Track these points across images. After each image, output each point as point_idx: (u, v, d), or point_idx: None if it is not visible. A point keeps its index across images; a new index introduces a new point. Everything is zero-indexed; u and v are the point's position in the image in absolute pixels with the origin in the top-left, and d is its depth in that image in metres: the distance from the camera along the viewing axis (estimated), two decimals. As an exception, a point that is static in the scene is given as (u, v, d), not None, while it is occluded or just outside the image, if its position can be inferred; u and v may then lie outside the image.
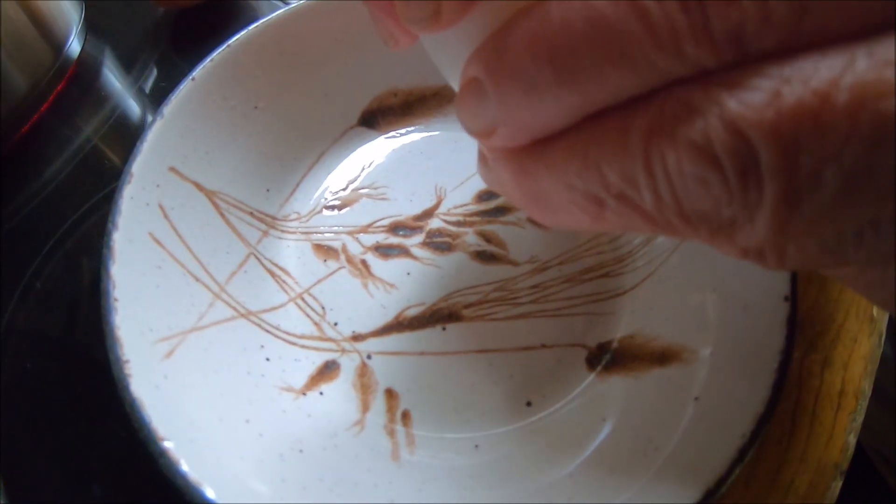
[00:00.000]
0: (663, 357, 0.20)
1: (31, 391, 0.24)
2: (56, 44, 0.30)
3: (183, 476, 0.16)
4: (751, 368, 0.18)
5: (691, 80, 0.09)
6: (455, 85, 0.14)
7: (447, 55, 0.14)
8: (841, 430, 0.24)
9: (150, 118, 0.26)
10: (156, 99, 0.31)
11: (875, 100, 0.08)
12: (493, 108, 0.11)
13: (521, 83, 0.11)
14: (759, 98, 0.09)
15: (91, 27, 0.32)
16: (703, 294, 0.20)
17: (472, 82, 0.12)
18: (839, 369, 0.26)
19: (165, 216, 0.20)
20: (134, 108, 0.31)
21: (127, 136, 0.29)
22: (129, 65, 0.32)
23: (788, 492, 0.23)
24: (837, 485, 0.24)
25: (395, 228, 0.22)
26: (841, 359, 0.26)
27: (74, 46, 0.31)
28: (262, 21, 0.22)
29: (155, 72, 0.32)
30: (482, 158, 0.14)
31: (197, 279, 0.20)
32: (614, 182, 0.11)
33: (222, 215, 0.21)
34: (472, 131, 0.13)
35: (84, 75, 0.31)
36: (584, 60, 0.10)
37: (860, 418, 0.25)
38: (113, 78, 0.32)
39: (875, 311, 0.27)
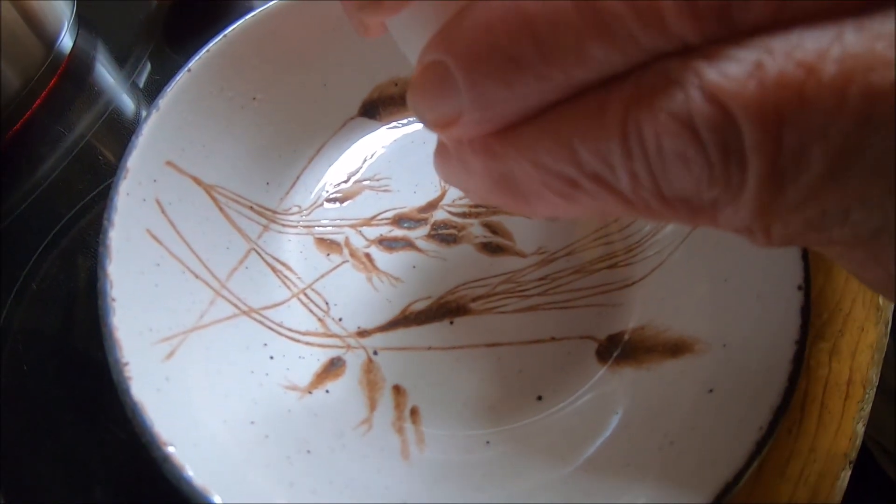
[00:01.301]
0: (676, 348, 0.19)
1: (29, 392, 0.23)
2: (48, 39, 0.30)
3: (188, 482, 0.15)
4: (765, 359, 0.18)
5: (674, 55, 0.09)
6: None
7: (410, 41, 0.13)
8: (849, 419, 0.24)
9: (144, 113, 0.25)
10: (150, 93, 0.30)
11: (865, 73, 0.08)
12: (461, 94, 0.10)
13: (498, 62, 0.10)
14: (740, 69, 0.08)
15: (83, 22, 0.32)
16: (715, 284, 0.20)
17: (432, 67, 0.11)
18: (847, 358, 0.25)
19: (163, 212, 0.19)
20: (128, 102, 0.30)
21: (121, 131, 0.29)
22: (123, 59, 0.31)
23: (799, 482, 0.23)
24: (847, 474, 0.24)
25: (399, 220, 0.22)
26: (848, 347, 0.26)
27: (66, 41, 0.30)
28: (259, 10, 0.22)
29: (148, 66, 0.31)
30: (441, 150, 0.13)
31: (197, 276, 0.19)
32: (588, 161, 0.10)
33: (221, 210, 0.21)
34: (429, 121, 0.12)
35: (77, 71, 0.31)
36: (566, 37, 0.09)
37: (868, 407, 0.25)
38: (106, 73, 0.31)
39: (881, 299, 0.27)
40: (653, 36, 0.09)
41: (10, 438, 0.22)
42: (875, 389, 0.25)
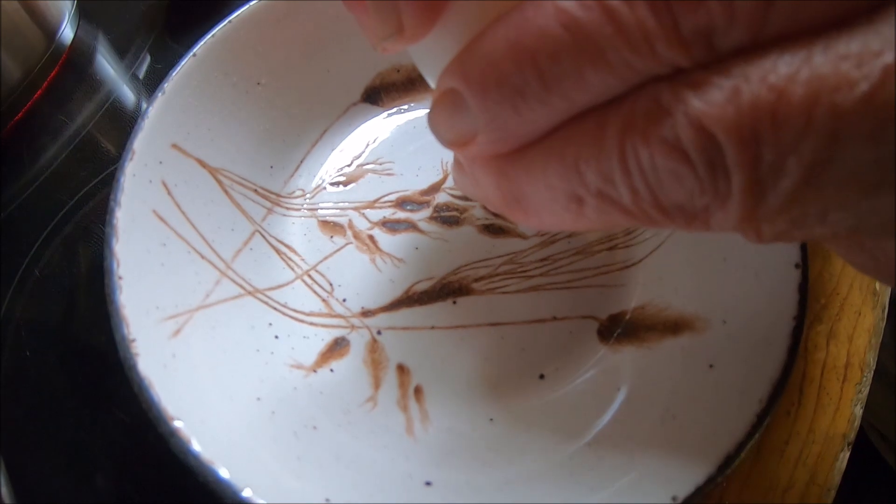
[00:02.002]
0: (676, 326, 0.20)
1: (31, 378, 0.23)
2: (49, 30, 0.30)
3: (195, 456, 0.15)
4: (765, 334, 0.18)
5: (665, 79, 0.10)
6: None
7: (429, 64, 0.14)
8: (847, 401, 0.25)
9: (144, 104, 0.25)
10: (150, 85, 0.30)
11: (830, 93, 0.09)
12: (473, 118, 0.12)
13: (506, 92, 0.11)
14: (720, 96, 0.09)
15: (84, 13, 0.32)
16: (714, 263, 0.20)
17: (448, 94, 0.12)
18: (844, 342, 0.26)
19: (169, 193, 0.19)
20: (128, 94, 0.30)
21: (121, 122, 0.29)
22: (123, 50, 0.32)
23: (798, 463, 0.23)
24: (845, 456, 0.24)
25: (401, 203, 0.22)
26: (846, 331, 0.26)
27: (67, 32, 0.31)
28: (262, -3, 0.22)
29: (148, 58, 0.31)
30: (458, 165, 0.14)
31: (202, 256, 0.19)
32: (592, 180, 0.11)
33: (226, 192, 0.21)
34: (448, 142, 0.13)
35: (77, 61, 0.31)
36: (565, 65, 0.10)
37: (866, 390, 0.25)
38: (106, 64, 0.31)
39: (878, 284, 0.28)
40: (645, 62, 0.10)
41: (12, 424, 0.22)
42: (872, 373, 0.26)
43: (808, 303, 0.26)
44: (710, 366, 0.18)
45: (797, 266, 0.19)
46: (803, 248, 0.19)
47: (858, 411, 0.25)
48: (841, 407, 0.24)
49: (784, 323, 0.18)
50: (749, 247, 0.20)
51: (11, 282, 0.25)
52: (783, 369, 0.17)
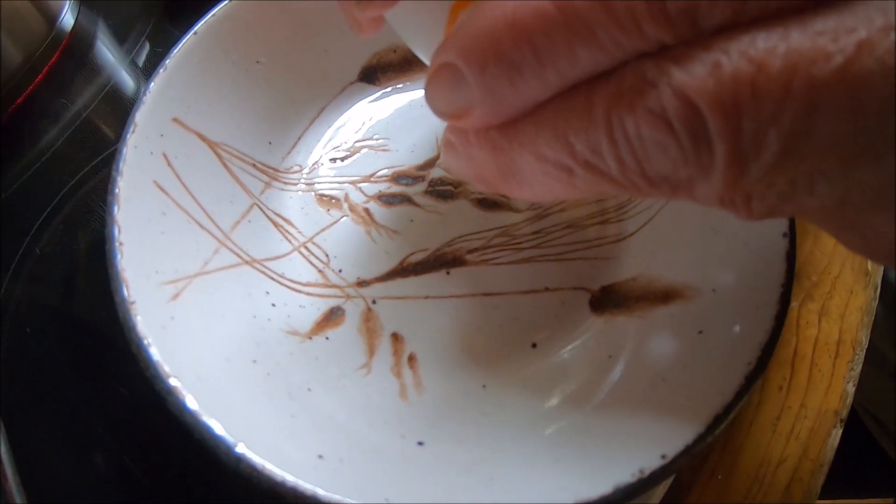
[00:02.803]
0: (666, 296, 0.20)
1: (31, 355, 0.24)
2: (50, 16, 0.30)
3: (191, 413, 0.16)
4: (753, 301, 0.18)
5: (651, 55, 0.10)
6: (422, 55, 0.15)
7: (409, 32, 0.15)
8: (839, 378, 0.25)
9: (148, 80, 0.26)
10: (149, 71, 0.31)
11: (807, 66, 0.09)
12: (470, 92, 0.12)
13: (503, 67, 0.11)
14: (702, 69, 0.10)
15: (84, -1, 0.32)
16: (704, 234, 0.20)
17: (445, 67, 0.12)
18: (836, 319, 0.26)
19: (169, 165, 0.20)
20: (127, 80, 0.31)
21: (120, 106, 0.29)
22: (123, 37, 0.32)
23: (790, 438, 0.24)
24: (838, 432, 0.24)
25: (397, 178, 0.22)
26: (838, 309, 0.26)
27: (68, 18, 0.31)
28: (262, -23, 0.23)
29: (147, 45, 0.32)
30: (449, 146, 0.15)
31: (202, 227, 0.20)
32: (581, 150, 0.11)
33: (225, 166, 0.21)
34: (444, 114, 0.13)
35: (78, 47, 0.31)
36: (558, 42, 0.11)
37: (858, 368, 0.25)
38: (106, 50, 0.32)
39: (870, 264, 0.28)
40: (632, 40, 0.10)
41: (13, 400, 0.23)
42: (864, 351, 0.26)
43: (800, 279, 0.27)
44: (700, 332, 0.19)
45: (785, 235, 0.19)
46: (791, 218, 0.20)
47: (851, 389, 0.25)
48: (833, 384, 0.25)
49: (772, 289, 0.18)
50: (738, 218, 0.20)
51: (12, 261, 0.25)
52: (771, 333, 0.18)
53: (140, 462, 0.22)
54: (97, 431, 0.22)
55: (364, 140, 0.23)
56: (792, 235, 0.19)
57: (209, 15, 0.22)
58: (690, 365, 0.18)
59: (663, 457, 0.16)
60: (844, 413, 0.25)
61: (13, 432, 0.22)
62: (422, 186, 0.22)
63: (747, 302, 0.19)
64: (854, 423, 0.25)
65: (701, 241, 0.21)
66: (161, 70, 0.21)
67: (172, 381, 0.16)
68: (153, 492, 0.21)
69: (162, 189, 0.19)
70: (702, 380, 0.18)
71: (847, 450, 0.25)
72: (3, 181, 0.27)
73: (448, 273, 0.21)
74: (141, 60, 0.32)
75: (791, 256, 0.19)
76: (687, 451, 0.16)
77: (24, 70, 0.30)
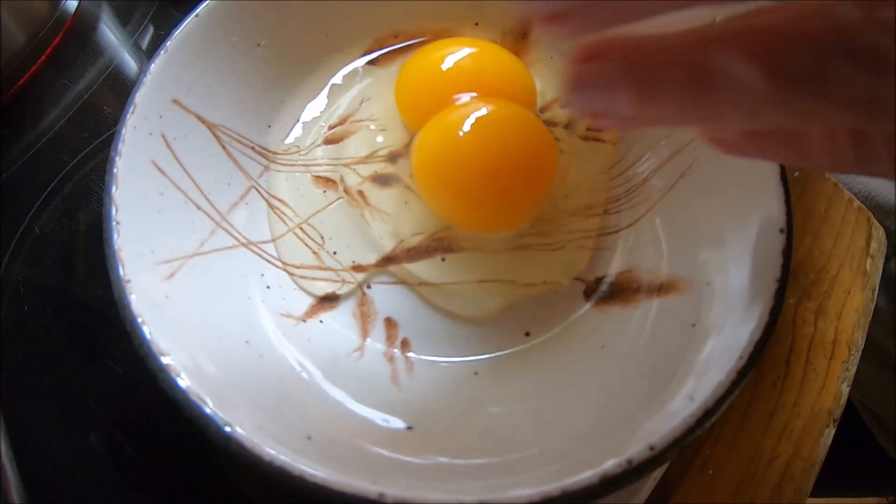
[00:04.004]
0: (661, 288, 0.20)
1: (29, 333, 0.24)
2: (53, -3, 0.30)
3: (182, 391, 0.16)
4: (748, 295, 0.18)
5: None
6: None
7: None
8: (834, 377, 0.25)
9: (149, 61, 0.26)
10: (152, 53, 0.31)
11: None
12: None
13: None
14: None
15: (88, -20, 0.32)
16: (700, 228, 0.20)
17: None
18: (832, 319, 0.26)
19: (168, 146, 0.20)
20: (129, 62, 0.31)
21: (122, 88, 0.29)
22: (126, 19, 0.32)
23: (783, 435, 0.24)
24: (831, 432, 0.24)
25: (393, 157, 0.22)
26: (834, 309, 0.26)
27: (71, 0, 0.31)
28: (265, -40, 0.23)
29: (151, 28, 0.32)
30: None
31: (199, 207, 0.20)
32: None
33: (224, 148, 0.21)
34: (591, 110, 0.12)
35: (81, 29, 0.31)
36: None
37: (853, 368, 0.25)
38: (109, 32, 0.32)
39: (868, 265, 0.28)
40: None
41: (10, 377, 0.23)
42: (860, 352, 0.26)
43: (797, 278, 0.27)
44: (693, 325, 0.18)
45: (781, 231, 0.19)
46: (788, 214, 0.19)
47: (845, 389, 0.25)
48: (827, 383, 0.25)
49: (768, 284, 0.18)
50: (736, 212, 0.20)
51: (11, 240, 0.25)
52: (765, 329, 0.18)
53: (134, 439, 0.22)
54: (92, 409, 0.22)
55: (361, 120, 0.23)
56: (789, 231, 0.19)
57: (211, -3, 0.22)
58: (683, 357, 0.18)
59: (651, 448, 0.16)
60: (838, 413, 0.24)
61: (9, 409, 0.22)
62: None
63: (742, 296, 0.18)
64: (851, 420, 0.25)
65: (697, 235, 0.20)
66: (162, 52, 0.21)
67: (164, 360, 0.16)
68: (146, 468, 0.21)
69: (160, 169, 0.19)
70: (693, 372, 0.18)
71: (844, 446, 0.25)
72: (4, 161, 0.28)
73: (443, 259, 0.21)
74: (144, 43, 0.32)
75: (787, 252, 0.19)
76: (676, 443, 0.16)
77: (27, 51, 0.30)
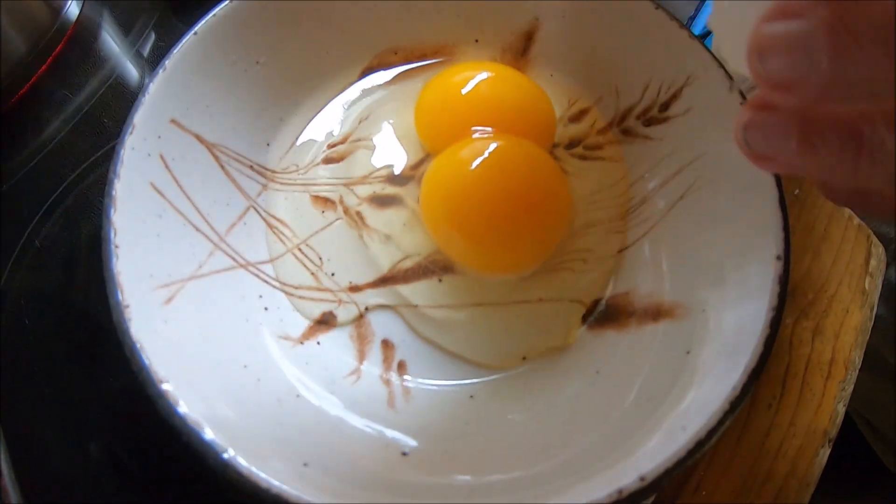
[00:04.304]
0: (657, 313, 0.20)
1: (29, 345, 0.24)
2: (55, 5, 0.30)
3: (181, 417, 0.16)
4: (743, 324, 0.18)
5: None
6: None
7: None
8: (830, 398, 0.25)
9: (147, 81, 0.26)
10: (153, 62, 0.31)
11: None
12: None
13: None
14: None
15: (90, -10, 0.32)
16: (698, 252, 0.20)
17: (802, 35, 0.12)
18: (830, 338, 0.26)
19: (166, 167, 0.20)
20: (131, 70, 0.31)
21: (124, 98, 0.29)
22: (128, 27, 0.32)
23: (777, 455, 0.24)
24: (826, 452, 0.24)
25: (391, 178, 0.22)
26: (832, 328, 0.26)
27: (73, 8, 0.31)
28: (264, -23, 0.22)
29: (153, 35, 0.31)
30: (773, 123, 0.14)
31: (197, 229, 0.20)
32: None
33: (223, 168, 0.21)
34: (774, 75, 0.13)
35: (82, 37, 0.31)
36: None
37: (850, 388, 0.25)
38: (111, 40, 0.32)
39: (867, 283, 0.28)
40: None
41: (11, 389, 0.23)
42: (857, 371, 0.26)
43: (795, 297, 0.27)
44: (687, 352, 0.19)
45: (779, 258, 0.19)
46: (786, 241, 0.19)
47: (841, 409, 0.25)
48: (823, 403, 0.25)
49: (763, 313, 0.18)
50: (732, 237, 0.20)
51: (12, 252, 0.26)
52: (760, 358, 0.18)
53: (132, 451, 0.22)
54: (91, 421, 0.23)
55: (361, 139, 0.23)
56: (786, 258, 0.19)
57: (209, 15, 0.22)
58: (676, 386, 0.18)
59: (642, 479, 0.16)
60: (834, 433, 0.25)
61: (9, 420, 0.22)
62: (414, 186, 0.22)
63: (737, 324, 0.19)
64: (847, 430, 0.25)
65: (694, 259, 0.21)
66: (160, 71, 0.21)
67: (164, 386, 0.16)
68: (145, 480, 0.22)
69: (159, 192, 0.20)
70: (688, 401, 0.18)
71: (839, 457, 0.25)
72: (5, 172, 0.28)
73: (440, 280, 0.21)
74: (146, 51, 0.31)
75: (784, 280, 0.19)
76: (666, 473, 0.16)
77: (29, 59, 0.30)
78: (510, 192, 0.20)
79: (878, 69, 0.11)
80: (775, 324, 0.18)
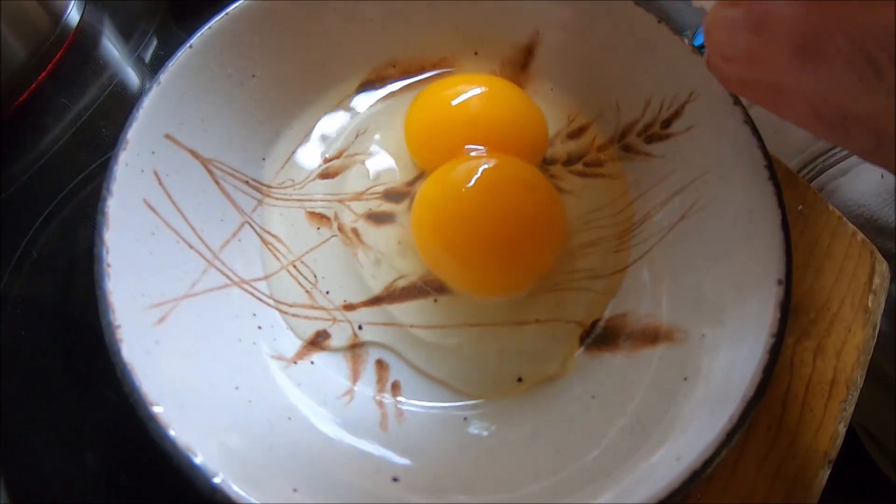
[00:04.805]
0: (655, 336, 0.20)
1: (26, 356, 0.24)
2: (55, 12, 0.30)
3: (171, 441, 0.16)
4: (742, 350, 0.18)
5: None
6: None
7: None
8: (831, 418, 0.24)
9: (142, 96, 0.26)
10: (155, 68, 0.30)
11: None
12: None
13: None
14: None
15: (90, -5, 0.32)
16: (698, 274, 0.20)
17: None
18: (831, 358, 0.26)
19: (160, 183, 0.20)
20: (132, 77, 0.30)
21: (125, 105, 0.29)
22: (128, 33, 0.32)
23: (776, 478, 0.23)
24: (825, 473, 0.24)
25: (387, 195, 0.22)
26: (834, 347, 0.26)
27: (73, 15, 0.31)
28: (261, -11, 0.22)
29: (154, 41, 0.31)
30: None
31: (191, 246, 0.20)
32: None
33: (217, 183, 0.21)
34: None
35: (83, 44, 0.31)
36: None
37: (851, 408, 0.25)
38: (112, 46, 0.31)
39: (870, 301, 0.27)
40: None
41: (6, 401, 0.23)
42: (859, 391, 0.26)
43: (797, 316, 0.26)
44: (685, 378, 0.18)
45: (780, 283, 0.19)
46: (788, 265, 0.19)
47: (842, 429, 0.25)
48: (824, 424, 0.24)
49: (763, 340, 0.18)
50: (733, 260, 0.20)
51: (10, 261, 0.26)
52: (758, 387, 0.17)
53: (127, 466, 0.22)
54: (86, 435, 0.23)
55: (357, 154, 0.23)
56: (788, 283, 0.19)
57: (205, 28, 0.21)
58: (672, 413, 0.18)
59: (636, 509, 0.16)
60: (834, 454, 0.24)
61: (3, 433, 0.22)
62: (409, 203, 0.22)
63: (736, 350, 0.18)
64: (848, 441, 0.25)
65: (694, 281, 0.20)
66: (154, 85, 0.20)
67: (154, 409, 0.16)
68: (140, 496, 0.22)
69: (152, 208, 0.19)
70: (682, 430, 0.17)
71: (840, 469, 0.25)
72: (3, 180, 0.28)
73: (436, 301, 0.21)
74: (147, 56, 0.31)
75: (785, 305, 0.19)
76: (660, 504, 0.16)
77: (29, 66, 0.30)
78: (499, 214, 0.20)
79: None
80: (775, 351, 0.18)
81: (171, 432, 0.16)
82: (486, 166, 0.21)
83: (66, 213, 0.27)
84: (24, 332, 0.24)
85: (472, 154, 0.21)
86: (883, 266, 0.28)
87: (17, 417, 0.23)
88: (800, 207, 0.28)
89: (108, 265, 0.18)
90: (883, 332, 0.28)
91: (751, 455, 0.24)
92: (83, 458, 0.23)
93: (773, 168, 0.20)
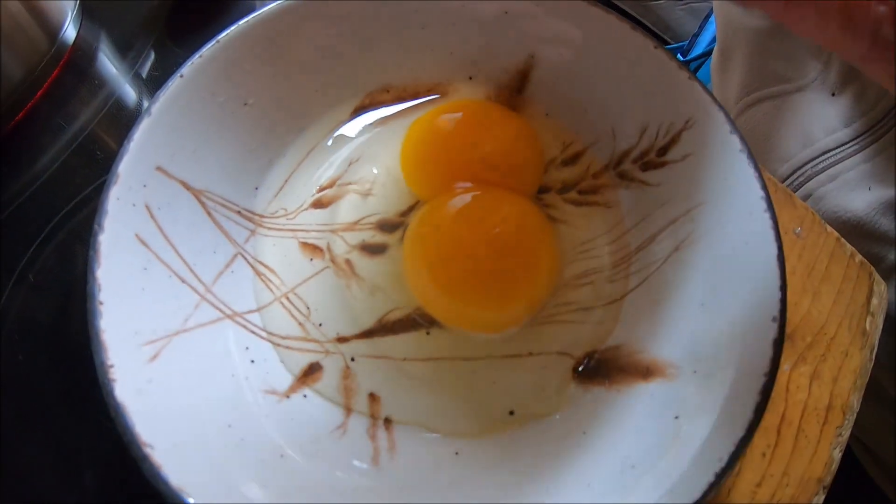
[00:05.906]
0: (648, 371, 0.20)
1: (23, 380, 0.24)
2: (51, 30, 0.30)
3: (165, 482, 0.16)
4: (734, 389, 0.18)
5: None
6: None
7: None
8: (826, 444, 0.24)
9: (146, 104, 0.26)
10: (152, 85, 0.30)
11: None
12: None
13: None
14: None
15: (86, 13, 0.32)
16: (692, 308, 0.20)
17: None
18: (828, 383, 0.25)
19: (152, 217, 0.20)
20: (130, 93, 0.30)
21: (123, 122, 0.29)
22: (125, 50, 0.32)
23: (770, 505, 0.23)
24: (820, 498, 0.24)
25: (381, 225, 0.22)
26: (830, 372, 0.26)
27: (70, 32, 0.31)
28: (252, 16, 0.22)
29: (152, 56, 0.31)
30: None
31: (183, 280, 0.20)
32: None
33: (209, 214, 0.21)
34: None
35: (80, 61, 0.31)
36: None
37: (846, 433, 0.25)
38: (109, 64, 0.31)
39: (868, 323, 0.27)
40: None
41: (4, 423, 0.23)
42: (855, 416, 0.25)
43: (794, 341, 0.26)
44: (676, 417, 0.18)
45: (774, 319, 0.19)
46: (783, 302, 0.19)
47: (837, 455, 0.25)
48: (819, 451, 0.24)
49: (755, 379, 0.18)
50: (728, 294, 0.20)
51: (7, 283, 0.26)
52: (748, 428, 0.17)
53: (125, 495, 0.22)
54: (84, 460, 0.23)
55: (351, 183, 0.23)
56: (782, 321, 0.19)
57: (196, 56, 0.21)
58: (663, 453, 0.18)
59: (624, 552, 0.16)
60: (828, 480, 0.24)
61: (1, 456, 0.22)
62: (402, 233, 0.22)
63: (728, 390, 0.18)
64: (845, 457, 0.25)
65: (687, 315, 0.20)
66: (145, 116, 0.20)
67: (147, 450, 0.16)
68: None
69: (144, 243, 0.19)
70: (672, 471, 0.17)
71: (838, 485, 0.25)
72: (0, 202, 0.28)
73: (428, 333, 0.21)
74: (145, 72, 0.31)
75: (779, 343, 0.19)
76: (649, 546, 0.16)
77: (25, 85, 0.29)
78: (491, 253, 0.20)
79: None
80: (767, 390, 0.18)
81: (165, 473, 0.16)
82: (478, 203, 0.21)
83: (64, 234, 0.27)
84: (22, 357, 0.25)
85: (467, 187, 0.21)
86: (881, 287, 0.28)
87: (14, 440, 0.23)
88: (798, 230, 0.28)
89: (101, 303, 0.18)
90: (882, 347, 0.28)
91: (744, 483, 0.24)
92: (81, 481, 0.23)
93: (769, 199, 0.20)
